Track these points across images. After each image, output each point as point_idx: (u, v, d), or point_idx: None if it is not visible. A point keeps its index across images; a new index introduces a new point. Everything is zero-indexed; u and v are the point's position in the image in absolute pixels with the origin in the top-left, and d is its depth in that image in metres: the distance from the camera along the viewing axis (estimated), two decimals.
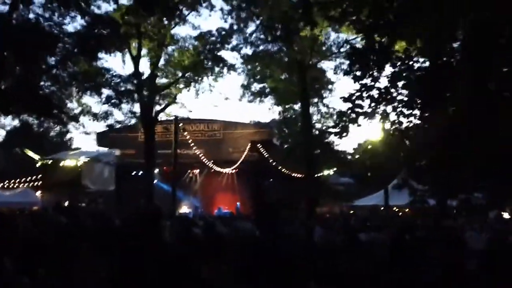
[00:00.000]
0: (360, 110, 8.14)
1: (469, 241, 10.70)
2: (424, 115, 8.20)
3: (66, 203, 22.79)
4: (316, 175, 24.85)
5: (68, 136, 42.84)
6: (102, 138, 28.25)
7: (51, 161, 23.22)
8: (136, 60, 20.97)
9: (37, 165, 22.84)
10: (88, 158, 22.71)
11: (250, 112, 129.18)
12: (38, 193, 22.54)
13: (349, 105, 8.12)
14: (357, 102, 8.12)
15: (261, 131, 29.92)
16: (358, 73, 8.10)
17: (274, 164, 27.41)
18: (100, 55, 19.00)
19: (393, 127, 8.40)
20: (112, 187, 24.33)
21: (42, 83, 17.79)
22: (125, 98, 20.08)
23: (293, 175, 27.60)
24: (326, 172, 28.68)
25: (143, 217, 4.42)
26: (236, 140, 29.38)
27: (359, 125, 8.40)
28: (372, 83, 8.10)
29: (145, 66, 22.71)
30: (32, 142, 23.79)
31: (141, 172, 24.54)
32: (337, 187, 31.46)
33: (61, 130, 30.52)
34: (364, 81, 8.05)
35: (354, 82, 7.94)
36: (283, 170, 27.78)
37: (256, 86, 28.06)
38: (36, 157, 22.86)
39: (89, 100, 24.25)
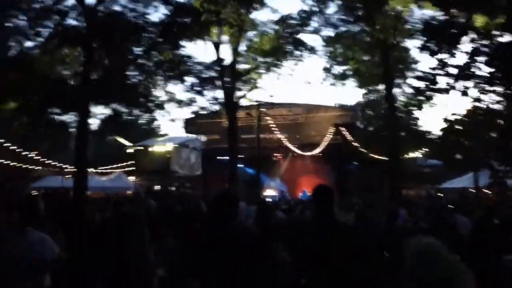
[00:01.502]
0: (435, 87, 7.87)
1: None
2: (508, 92, 7.78)
3: (157, 187, 23.98)
4: (401, 158, 24.08)
5: (156, 123, 44.83)
6: (189, 125, 29.15)
7: (141, 147, 24.34)
8: (217, 46, 21.40)
9: (128, 151, 24.04)
10: (176, 144, 23.56)
11: (333, 95, 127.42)
12: (131, 178, 23.74)
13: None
14: (434, 78, 7.84)
15: (344, 114, 29.47)
16: (435, 48, 7.82)
17: (357, 147, 26.97)
18: (183, 43, 19.61)
19: (475, 104, 8.05)
20: (199, 172, 25.13)
21: (128, 72, 18.63)
22: (208, 85, 20.57)
23: (377, 158, 27.00)
24: (412, 155, 27.72)
25: (216, 203, 4.47)
26: (319, 124, 29.16)
27: (432, 104, 8.13)
28: (449, 59, 7.78)
29: (226, 53, 23.11)
30: (122, 130, 25.02)
31: (226, 157, 25.13)
32: (424, 169, 30.35)
33: (149, 117, 31.77)
34: (441, 56, 7.75)
35: (431, 56, 7.66)
36: (367, 153, 27.26)
37: (338, 69, 27.58)
38: (127, 144, 24.07)
39: (174, 88, 25.13)
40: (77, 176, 17.00)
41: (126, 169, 23.77)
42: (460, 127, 12.02)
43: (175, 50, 19.63)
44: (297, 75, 62.72)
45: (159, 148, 23.29)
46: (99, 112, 20.13)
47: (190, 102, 21.02)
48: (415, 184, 30.21)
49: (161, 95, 20.48)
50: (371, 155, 27.07)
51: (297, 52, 23.18)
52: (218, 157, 26.80)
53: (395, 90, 24.68)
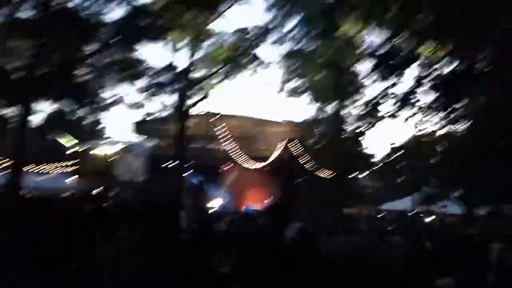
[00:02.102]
0: (379, 114, 8.14)
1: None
2: (450, 118, 8.14)
3: (96, 191, 23.25)
4: (345, 177, 24.55)
5: (102, 125, 43.63)
6: (136, 129, 28.62)
7: (83, 148, 23.64)
8: (172, 52, 21.16)
9: (70, 152, 23.27)
10: (121, 148, 23.00)
11: (283, 110, 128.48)
12: (70, 179, 22.96)
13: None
14: (377, 104, 8.12)
15: (293, 130, 29.75)
16: (382, 74, 8.12)
17: (304, 163, 27.27)
18: (137, 45, 19.27)
19: (418, 129, 8.36)
20: (142, 178, 24.61)
21: (78, 71, 18.12)
22: (159, 90, 20.27)
23: (323, 175, 27.40)
24: (356, 175, 28.36)
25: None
26: (268, 138, 29.32)
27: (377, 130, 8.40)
28: (395, 86, 8.10)
29: (181, 59, 22.88)
30: (66, 129, 24.22)
31: (172, 165, 24.75)
32: (366, 190, 31.04)
33: (95, 118, 30.99)
34: (388, 82, 8.04)
35: (377, 82, 7.93)
36: (313, 170, 27.63)
37: (292, 84, 27.82)
38: (69, 144, 23.31)
39: (124, 90, 24.55)
40: (12, 173, 16.26)
41: (68, 169, 23.04)
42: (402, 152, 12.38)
43: (128, 52, 19.27)
44: (250, 88, 62.75)
45: (102, 150, 22.68)
46: (43, 109, 19.46)
47: (140, 105, 20.67)
48: (357, 204, 30.83)
49: (109, 96, 20.06)
50: (319, 171, 27.45)
51: (252, 65, 23.27)
52: (163, 164, 26.42)
53: (344, 111, 25.18)
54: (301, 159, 27.07)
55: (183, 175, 23.07)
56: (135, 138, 28.69)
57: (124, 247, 4.93)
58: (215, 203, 27.53)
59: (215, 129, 25.46)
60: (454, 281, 5.98)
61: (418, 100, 7.96)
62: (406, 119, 8.17)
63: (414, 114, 8.13)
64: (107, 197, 18.19)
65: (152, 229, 4.71)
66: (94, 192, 21.23)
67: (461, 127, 8.08)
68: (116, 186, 25.59)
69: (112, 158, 22.70)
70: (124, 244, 5.12)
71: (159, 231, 5.02)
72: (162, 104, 21.40)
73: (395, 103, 8.10)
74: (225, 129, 28.38)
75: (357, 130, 10.89)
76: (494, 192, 9.69)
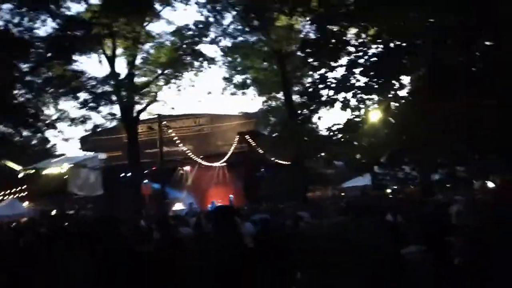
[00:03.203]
0: (319, 100, 8.13)
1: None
2: (382, 99, 8.21)
3: (54, 212, 22.56)
4: (304, 162, 24.65)
5: (51, 143, 42.32)
6: (85, 143, 28.00)
7: (34, 170, 22.89)
8: (111, 60, 20.63)
9: (20, 175, 22.47)
10: (72, 164, 22.35)
11: (236, 104, 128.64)
12: (25, 204, 22.20)
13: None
14: (316, 92, 8.10)
15: (248, 121, 29.70)
16: (315, 64, 8.10)
17: (263, 154, 27.25)
18: (74, 57, 18.74)
19: (355, 113, 8.40)
20: (100, 192, 24.03)
21: (15, 91, 17.47)
22: (103, 100, 19.77)
23: (282, 163, 27.46)
24: (315, 158, 28.49)
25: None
26: (224, 133, 29.21)
27: (319, 118, 8.45)
28: (329, 73, 8.09)
29: (122, 66, 22.46)
30: (12, 153, 23.34)
31: (129, 174, 24.28)
32: (327, 171, 31.29)
33: (41, 138, 30.05)
34: (322, 70, 8.05)
35: (311, 73, 7.95)
36: (272, 159, 27.65)
37: (238, 78, 27.83)
38: (18, 167, 22.51)
39: (66, 105, 23.87)
40: None
41: (19, 194, 22.23)
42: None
43: (66, 65, 18.69)
44: (199, 86, 62.38)
45: (53, 169, 21.99)
46: None
47: (85, 119, 20.15)
48: (320, 186, 31.08)
49: (52, 113, 19.44)
50: (277, 160, 27.49)
51: (196, 63, 23.08)
52: (120, 174, 25.91)
53: (294, 96, 25.30)
54: (259, 149, 27.04)
55: (141, 183, 22.69)
56: (87, 152, 28.03)
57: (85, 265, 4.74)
58: (179, 206, 27.25)
59: (169, 131, 25.10)
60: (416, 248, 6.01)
61: (352, 85, 8.05)
62: (345, 103, 8.22)
63: (353, 96, 8.20)
64: (64, 218, 17.73)
65: (111, 245, 4.52)
66: (50, 214, 20.66)
67: (400, 103, 8.25)
68: (73, 204, 24.96)
69: (66, 176, 22.08)
70: (85, 263, 4.91)
71: (120, 245, 4.82)
72: (110, 113, 20.90)
73: (333, 88, 8.15)
74: (179, 130, 28.06)
75: (306, 116, 10.91)
76: (442, 161, 9.90)
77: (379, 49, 8.33)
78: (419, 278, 4.53)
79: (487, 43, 7.91)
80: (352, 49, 8.42)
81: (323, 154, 26.02)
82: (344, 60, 8.61)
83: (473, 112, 7.26)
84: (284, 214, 13.72)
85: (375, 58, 8.21)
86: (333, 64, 8.42)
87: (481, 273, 3.92)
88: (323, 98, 8.41)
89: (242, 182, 28.54)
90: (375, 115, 9.03)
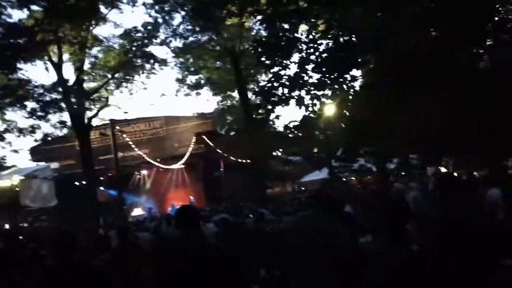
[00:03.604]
0: (274, 99, 8.14)
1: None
2: (335, 94, 8.31)
3: (7, 226, 21.77)
4: (263, 159, 24.70)
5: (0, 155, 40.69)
6: (36, 153, 27.11)
7: None
8: (58, 67, 19.94)
9: None
10: (23, 176, 21.61)
11: (192, 105, 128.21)
12: None
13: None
14: (271, 90, 8.10)
15: (204, 122, 29.45)
16: (268, 62, 8.12)
17: (221, 154, 27.14)
18: (19, 65, 18.04)
19: (310, 109, 8.45)
20: (55, 202, 23.36)
21: None
22: (52, 109, 19.13)
23: (241, 162, 27.44)
24: (274, 154, 28.68)
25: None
26: (181, 134, 28.85)
27: (277, 117, 8.49)
28: (283, 71, 8.12)
29: (70, 72, 21.82)
30: None
31: (84, 182, 23.67)
32: (285, 167, 31.48)
33: None
34: (275, 68, 8.06)
35: (265, 72, 8.00)
36: (231, 158, 27.58)
37: (191, 79, 27.61)
38: None
39: (13, 116, 22.99)
40: None
41: None
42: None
43: (10, 74, 17.98)
44: (153, 88, 61.58)
45: (4, 182, 21.20)
46: None
47: (34, 129, 19.45)
48: (279, 182, 31.24)
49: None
50: (236, 159, 27.45)
51: (147, 65, 22.71)
52: (75, 183, 25.23)
53: (250, 94, 25.31)
54: (216, 149, 26.89)
55: (97, 190, 22.15)
56: (38, 162, 27.18)
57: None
58: (138, 212, 26.82)
59: (123, 136, 24.60)
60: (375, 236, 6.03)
61: (307, 80, 8.12)
62: (300, 100, 8.26)
63: (307, 92, 8.25)
64: (18, 232, 17.10)
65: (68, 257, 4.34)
66: (3, 228, 19.90)
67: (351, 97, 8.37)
68: (27, 217, 24.17)
69: (18, 188, 21.34)
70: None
71: (79, 256, 4.63)
72: (60, 122, 20.26)
73: (287, 86, 8.18)
74: (134, 134, 27.60)
75: (261, 114, 10.92)
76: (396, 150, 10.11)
77: (330, 45, 8.42)
78: (377, 266, 4.53)
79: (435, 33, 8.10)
80: (303, 46, 8.47)
81: (280, 151, 26.24)
82: (296, 57, 8.66)
83: (424, 103, 7.41)
84: (244, 213, 13.70)
85: (326, 54, 8.27)
86: (286, 62, 8.43)
87: (436, 259, 3.97)
88: (278, 97, 8.42)
89: (202, 183, 28.36)
90: (329, 110, 9.12)
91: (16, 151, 20.75)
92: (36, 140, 20.83)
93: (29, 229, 20.36)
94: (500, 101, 7.47)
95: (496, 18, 8.35)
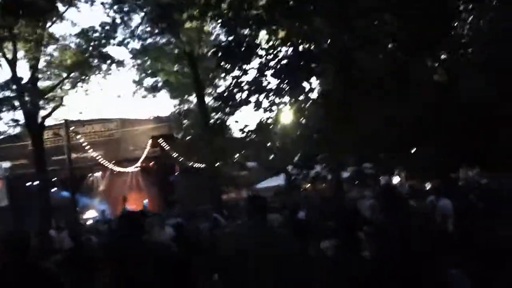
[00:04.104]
0: (234, 103, 8.32)
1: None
2: (293, 101, 8.57)
3: None
4: (219, 164, 24.80)
5: None
6: None
7: None
8: (12, 64, 19.45)
9: None
10: None
11: (148, 108, 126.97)
12: None
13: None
14: (231, 95, 8.28)
15: (161, 125, 29.28)
16: (227, 66, 8.30)
17: (176, 157, 27.03)
18: None
19: (267, 115, 8.68)
20: (5, 203, 22.75)
21: None
22: (4, 106, 18.65)
23: (197, 167, 27.42)
24: (230, 159, 28.78)
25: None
26: (136, 137, 28.56)
27: (236, 121, 8.67)
28: (242, 76, 8.31)
29: (24, 70, 21.30)
30: None
31: (36, 182, 23.12)
32: (240, 173, 31.68)
33: None
34: (235, 73, 8.23)
35: (224, 76, 8.18)
36: (186, 163, 27.52)
37: (148, 81, 27.45)
38: None
39: None
40: None
41: None
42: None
43: None
44: (109, 90, 60.61)
45: None
46: None
47: None
48: (235, 188, 31.36)
49: None
50: (192, 164, 27.40)
51: (104, 66, 22.41)
52: (26, 183, 24.60)
53: (208, 98, 25.37)
54: (172, 153, 26.79)
55: (49, 192, 21.67)
56: None
57: None
58: (90, 215, 26.35)
59: (77, 136, 24.15)
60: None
61: (264, 87, 8.30)
62: (258, 104, 8.45)
63: (265, 97, 8.45)
64: None
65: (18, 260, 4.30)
66: None
67: (307, 105, 8.63)
68: None
69: None
70: None
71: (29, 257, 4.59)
72: (13, 120, 19.77)
73: (246, 90, 8.36)
74: (88, 135, 27.13)
75: (220, 119, 11.03)
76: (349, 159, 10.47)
77: (289, 53, 8.64)
78: (330, 272, 4.71)
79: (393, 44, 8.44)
80: (263, 52, 8.64)
81: (236, 156, 26.37)
82: (255, 63, 8.83)
83: (378, 113, 7.73)
84: (198, 218, 13.78)
85: (285, 61, 8.49)
86: (245, 67, 8.60)
87: (386, 265, 4.19)
88: (237, 101, 8.57)
89: (156, 186, 28.13)
90: (287, 117, 9.35)
91: None
92: None
93: None
94: (452, 115, 7.89)
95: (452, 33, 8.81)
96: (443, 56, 9.15)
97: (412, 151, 8.57)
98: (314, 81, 8.91)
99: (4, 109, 18.87)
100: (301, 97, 8.76)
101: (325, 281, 4.60)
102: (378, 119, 7.69)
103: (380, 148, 9.00)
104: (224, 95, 8.43)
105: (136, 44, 23.72)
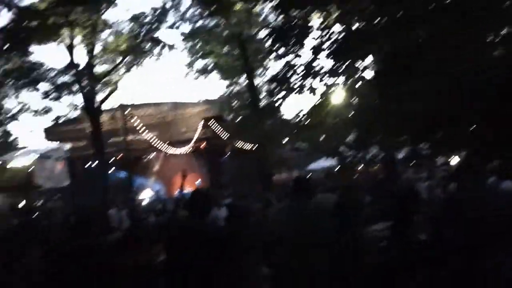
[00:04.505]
0: (288, 87, 8.29)
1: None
2: (347, 82, 8.45)
3: (21, 205, 22.23)
4: (269, 146, 24.92)
5: (14, 136, 41.32)
6: (49, 134, 27.42)
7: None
8: (70, 50, 20.20)
9: None
10: (37, 156, 21.98)
11: (199, 90, 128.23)
12: None
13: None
14: (285, 78, 8.26)
15: (211, 107, 29.64)
16: (280, 51, 8.26)
17: (227, 139, 27.34)
18: (32, 48, 18.33)
19: (321, 97, 8.62)
20: (67, 183, 23.78)
21: None
22: (64, 91, 19.43)
23: (247, 148, 27.64)
24: (281, 141, 28.79)
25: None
26: (188, 120, 29.05)
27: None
28: (296, 59, 8.26)
29: (81, 55, 22.02)
30: None
31: (93, 165, 24.03)
32: (292, 154, 31.65)
33: (4, 130, 29.33)
34: (288, 58, 8.19)
35: (276, 61, 8.14)
36: (237, 145, 27.79)
37: (199, 63, 27.78)
38: None
39: (27, 97, 23.32)
40: None
41: None
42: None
43: (24, 57, 18.26)
44: (161, 73, 61.71)
45: (17, 162, 21.56)
46: None
47: (47, 110, 19.78)
48: (284, 170, 31.38)
49: (13, 106, 19.04)
50: (242, 145, 27.65)
51: (156, 50, 22.88)
52: (85, 165, 25.58)
53: (258, 80, 25.49)
54: (223, 135, 27.11)
55: (107, 173, 22.50)
56: (51, 143, 27.54)
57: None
58: (146, 195, 27.16)
59: (132, 120, 24.85)
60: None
61: (320, 68, 8.27)
62: (313, 90, 8.43)
63: (320, 81, 8.42)
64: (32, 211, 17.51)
65: (83, 236, 4.57)
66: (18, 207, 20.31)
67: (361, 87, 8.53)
68: (40, 196, 24.57)
69: (31, 168, 21.71)
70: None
71: (90, 236, 4.88)
72: (71, 104, 20.58)
73: (300, 73, 8.35)
74: (142, 118, 27.82)
75: (271, 101, 11.12)
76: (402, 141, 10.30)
77: (343, 33, 8.55)
78: (383, 254, 4.71)
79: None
80: (316, 33, 8.59)
81: (287, 138, 26.41)
82: (309, 45, 8.78)
83: (434, 90, 7.57)
84: (248, 199, 13.94)
85: (339, 41, 8.41)
86: (299, 50, 8.59)
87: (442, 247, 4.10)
88: (292, 85, 8.58)
89: (207, 168, 28.57)
90: (340, 98, 9.31)
91: (31, 131, 21.20)
92: (53, 121, 21.13)
93: (43, 208, 20.74)
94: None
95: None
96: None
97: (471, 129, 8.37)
98: (368, 61, 8.78)
99: (63, 93, 19.64)
100: (355, 77, 8.68)
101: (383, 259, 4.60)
102: (435, 95, 7.51)
103: (437, 127, 8.79)
104: (278, 78, 8.42)
105: (186, 27, 24.07)
